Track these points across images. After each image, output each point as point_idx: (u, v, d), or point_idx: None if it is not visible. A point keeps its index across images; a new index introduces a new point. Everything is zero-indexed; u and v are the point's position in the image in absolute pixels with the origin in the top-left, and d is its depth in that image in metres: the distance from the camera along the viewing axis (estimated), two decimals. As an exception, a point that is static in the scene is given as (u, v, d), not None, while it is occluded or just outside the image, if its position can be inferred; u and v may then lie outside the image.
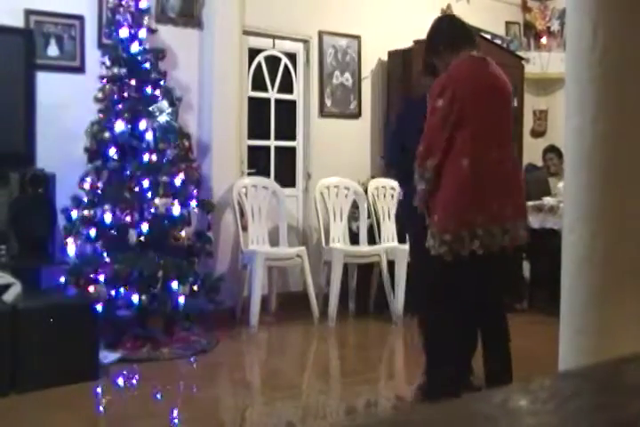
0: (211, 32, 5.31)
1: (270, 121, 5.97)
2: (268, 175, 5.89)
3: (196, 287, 4.59)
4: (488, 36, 6.93)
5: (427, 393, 3.37)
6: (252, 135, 5.79)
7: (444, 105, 3.08)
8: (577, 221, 2.22)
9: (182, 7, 5.22)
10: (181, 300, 4.43)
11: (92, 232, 4.37)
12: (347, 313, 5.59)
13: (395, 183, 5.99)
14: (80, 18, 4.80)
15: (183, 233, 4.63)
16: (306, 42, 6.01)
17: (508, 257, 3.29)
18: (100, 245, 4.38)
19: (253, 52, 5.83)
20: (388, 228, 5.90)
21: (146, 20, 4.67)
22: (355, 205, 5.87)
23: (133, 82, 4.53)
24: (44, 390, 3.62)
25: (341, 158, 6.08)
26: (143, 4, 4.69)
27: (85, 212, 4.38)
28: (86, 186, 4.41)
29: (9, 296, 3.78)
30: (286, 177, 6.02)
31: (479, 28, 6.88)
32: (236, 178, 5.44)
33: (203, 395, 3.82)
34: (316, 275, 5.52)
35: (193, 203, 4.70)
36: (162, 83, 4.66)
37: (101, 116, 4.51)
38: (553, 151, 6.43)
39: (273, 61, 5.97)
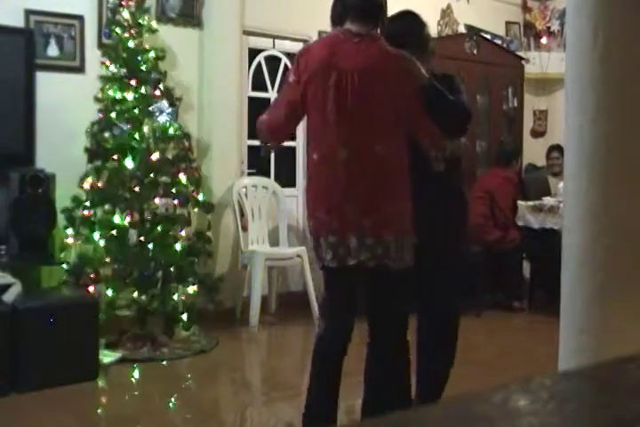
0: (211, 32, 5.31)
1: (270, 121, 5.97)
2: (268, 175, 5.89)
3: (195, 287, 4.59)
4: (488, 36, 6.94)
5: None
6: (252, 135, 5.78)
7: (288, 83, 2.74)
8: (577, 221, 2.22)
9: (182, 7, 5.22)
10: (181, 300, 4.43)
11: (92, 232, 4.37)
12: (347, 313, 5.58)
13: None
14: (80, 18, 4.80)
15: (183, 233, 4.63)
16: (306, 42, 6.00)
17: (376, 273, 2.66)
18: (100, 245, 4.38)
19: (253, 52, 5.83)
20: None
21: (146, 20, 4.68)
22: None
23: (133, 82, 4.53)
24: (43, 390, 3.62)
25: (341, 158, 6.07)
26: (143, 4, 4.70)
27: (85, 212, 4.38)
28: (86, 186, 4.41)
29: (9, 296, 3.78)
30: (286, 177, 6.01)
31: (479, 28, 6.90)
32: (236, 178, 5.44)
33: (203, 395, 3.82)
34: (316, 275, 5.51)
35: (193, 203, 4.70)
36: (162, 83, 4.66)
37: (101, 116, 4.51)
38: (558, 150, 6.34)
39: (273, 61, 5.97)
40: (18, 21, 4.56)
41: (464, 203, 3.13)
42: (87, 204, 4.38)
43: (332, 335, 2.80)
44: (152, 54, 4.64)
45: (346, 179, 2.58)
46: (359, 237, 2.57)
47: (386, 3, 2.74)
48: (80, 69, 4.81)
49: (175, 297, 4.50)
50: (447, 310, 3.02)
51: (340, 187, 2.59)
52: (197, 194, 4.73)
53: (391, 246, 2.57)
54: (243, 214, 5.38)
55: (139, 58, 4.56)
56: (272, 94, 5.95)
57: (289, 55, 6.02)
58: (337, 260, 2.62)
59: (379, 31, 2.72)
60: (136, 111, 4.49)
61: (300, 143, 6.07)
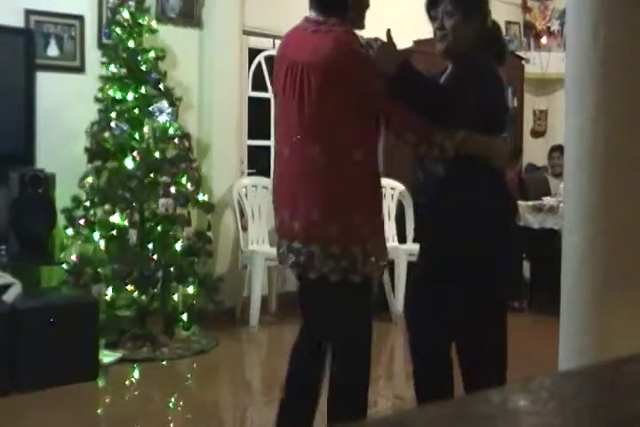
0: (211, 32, 5.31)
1: (270, 121, 5.97)
2: (267, 175, 5.88)
3: (196, 287, 4.59)
4: (488, 36, 6.94)
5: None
6: (252, 135, 5.79)
7: None
8: (577, 221, 2.22)
9: (182, 7, 5.22)
10: (181, 300, 4.43)
11: (92, 232, 4.37)
12: (347, 313, 5.58)
13: (396, 183, 6.01)
14: (80, 18, 4.80)
15: (183, 233, 4.63)
16: (306, 42, 6.01)
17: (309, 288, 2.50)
18: (100, 245, 4.38)
19: (253, 52, 5.83)
20: (388, 228, 5.90)
21: (146, 20, 4.68)
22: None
23: (133, 82, 4.53)
24: (44, 390, 3.62)
25: (341, 158, 6.07)
26: (143, 4, 4.70)
27: (85, 212, 4.38)
28: (86, 186, 4.41)
29: (9, 296, 3.78)
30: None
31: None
32: (236, 178, 5.44)
33: (203, 395, 3.82)
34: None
35: (193, 203, 4.70)
36: (162, 83, 4.66)
37: (101, 116, 4.51)
38: (560, 151, 6.35)
39: (273, 61, 5.96)
40: (18, 21, 4.56)
41: (504, 235, 2.59)
42: (87, 204, 4.38)
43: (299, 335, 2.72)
44: (152, 54, 4.64)
45: (287, 178, 2.44)
46: (289, 242, 2.42)
47: None
48: (80, 69, 4.81)
49: (175, 297, 4.50)
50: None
51: (281, 186, 2.48)
52: (197, 194, 4.73)
53: (315, 255, 2.34)
54: (243, 214, 5.38)
55: (139, 58, 4.56)
56: (272, 94, 5.96)
57: (289, 55, 6.03)
58: (279, 260, 2.55)
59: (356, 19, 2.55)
60: (136, 111, 4.49)
61: (299, 143, 6.06)
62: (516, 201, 2.94)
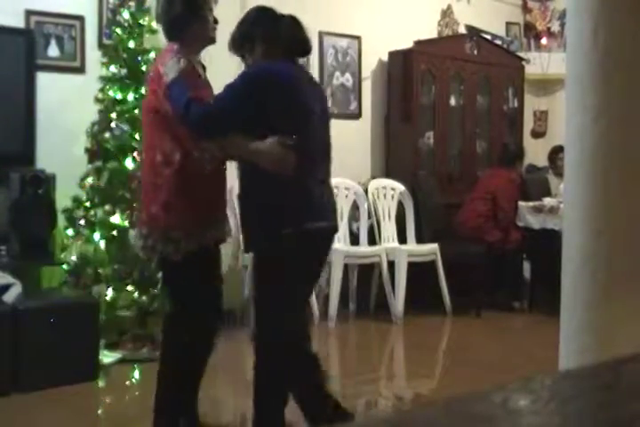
0: (211, 32, 5.31)
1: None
2: (268, 176, 5.89)
3: (196, 288, 4.58)
4: (488, 37, 6.94)
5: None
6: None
7: None
8: (577, 221, 2.22)
9: (183, 7, 5.22)
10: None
11: (93, 232, 4.37)
12: (347, 313, 5.59)
13: (396, 184, 6.01)
14: (80, 18, 4.80)
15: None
16: (306, 42, 6.01)
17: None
18: (100, 245, 4.38)
19: (254, 53, 5.82)
20: (389, 228, 5.90)
21: (146, 21, 4.67)
22: (355, 206, 5.87)
23: (134, 82, 4.53)
24: (44, 390, 3.62)
25: (341, 159, 6.03)
26: (143, 5, 4.69)
27: (85, 212, 4.38)
28: (86, 186, 4.41)
29: (9, 296, 3.78)
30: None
31: (480, 29, 6.90)
32: (236, 179, 5.43)
33: (202, 395, 3.82)
34: (316, 275, 5.51)
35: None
36: (162, 83, 4.65)
37: (102, 116, 4.51)
38: (563, 151, 6.33)
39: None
40: (18, 22, 4.56)
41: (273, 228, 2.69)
42: (87, 204, 4.38)
43: None
44: (152, 55, 4.63)
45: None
46: (139, 227, 2.89)
47: (180, 17, 2.81)
48: (80, 70, 4.81)
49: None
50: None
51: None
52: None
53: (149, 239, 2.79)
54: (243, 215, 5.38)
55: (139, 58, 4.56)
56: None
57: (289, 55, 6.03)
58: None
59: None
60: (136, 112, 4.49)
61: (300, 144, 6.06)
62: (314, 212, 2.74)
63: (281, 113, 2.64)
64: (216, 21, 2.92)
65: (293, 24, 2.84)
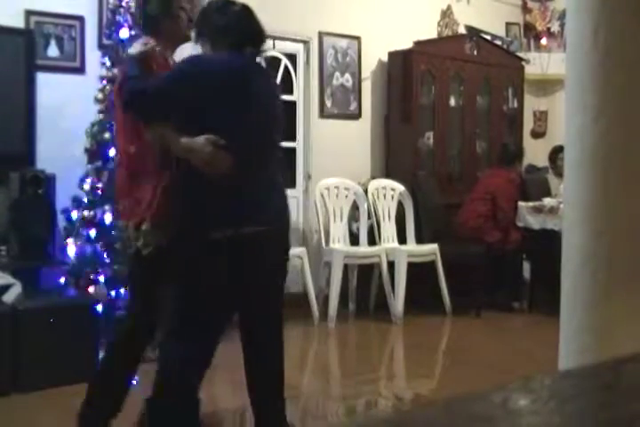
0: (211, 33, 5.31)
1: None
2: (268, 176, 5.88)
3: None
4: (488, 37, 6.94)
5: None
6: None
7: None
8: (578, 222, 2.22)
9: (182, 8, 5.22)
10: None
11: (92, 233, 4.36)
12: (347, 314, 5.59)
13: (395, 184, 6.01)
14: (80, 18, 4.80)
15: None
16: (306, 43, 6.01)
17: None
18: (100, 245, 4.38)
19: (253, 53, 5.82)
20: (389, 228, 5.90)
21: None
22: (355, 206, 5.87)
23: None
24: (44, 390, 3.62)
25: (341, 159, 6.08)
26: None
27: (85, 212, 4.38)
28: (86, 186, 4.40)
29: (9, 297, 3.78)
30: (286, 178, 6.01)
31: (480, 29, 6.90)
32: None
33: (202, 395, 3.81)
34: (316, 276, 5.51)
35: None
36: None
37: (101, 116, 4.50)
38: (563, 151, 6.32)
39: (273, 62, 5.97)
40: (18, 22, 4.56)
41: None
42: (87, 204, 4.38)
43: None
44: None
45: None
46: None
47: (153, 14, 2.90)
48: (80, 70, 4.81)
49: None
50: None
51: None
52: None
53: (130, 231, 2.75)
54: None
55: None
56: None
57: (289, 56, 6.03)
58: None
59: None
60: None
61: (299, 144, 6.07)
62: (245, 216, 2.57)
63: (214, 107, 2.53)
64: (191, 20, 2.91)
65: (242, 15, 2.75)
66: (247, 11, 2.77)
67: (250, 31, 2.75)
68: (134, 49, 2.71)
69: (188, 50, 3.00)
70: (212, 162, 2.46)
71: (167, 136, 2.57)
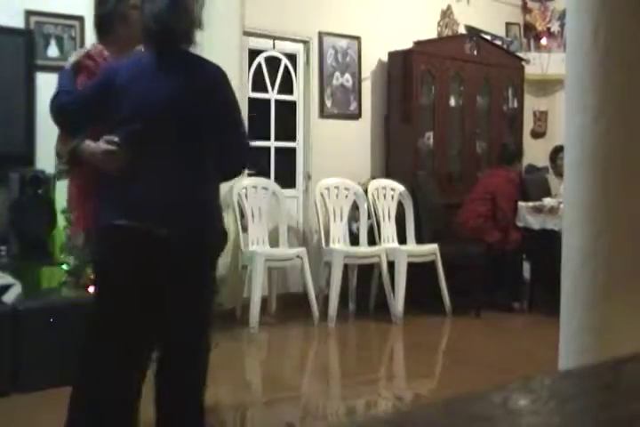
0: (211, 32, 5.30)
1: (270, 122, 5.98)
2: (268, 176, 5.89)
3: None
4: (488, 37, 6.94)
5: None
6: (252, 136, 5.78)
7: None
8: (578, 222, 2.22)
9: (182, 8, 5.22)
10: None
11: (92, 233, 4.36)
12: (347, 314, 5.59)
13: (395, 184, 6.01)
14: (80, 18, 4.80)
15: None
16: (306, 43, 6.01)
17: None
18: (100, 245, 4.37)
19: (253, 53, 5.83)
20: (388, 228, 5.90)
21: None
22: (355, 206, 5.88)
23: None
24: (44, 390, 3.62)
25: (341, 159, 6.08)
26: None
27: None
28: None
29: (9, 297, 3.78)
30: (286, 178, 6.02)
31: (480, 29, 6.90)
32: (236, 179, 5.43)
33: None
34: (316, 276, 5.51)
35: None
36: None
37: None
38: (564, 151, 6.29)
39: (273, 62, 5.97)
40: (18, 22, 4.56)
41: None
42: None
43: None
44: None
45: None
46: None
47: (104, 15, 2.84)
48: (80, 70, 4.80)
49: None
50: None
51: None
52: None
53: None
54: (243, 215, 5.38)
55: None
56: (272, 95, 5.97)
57: (289, 56, 6.03)
58: None
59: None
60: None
61: (299, 144, 6.07)
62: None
63: (114, 109, 2.57)
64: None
65: (159, 13, 2.58)
66: (167, 8, 2.60)
67: (156, 31, 2.60)
68: (71, 58, 2.77)
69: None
70: (105, 161, 2.53)
71: (78, 145, 2.67)
